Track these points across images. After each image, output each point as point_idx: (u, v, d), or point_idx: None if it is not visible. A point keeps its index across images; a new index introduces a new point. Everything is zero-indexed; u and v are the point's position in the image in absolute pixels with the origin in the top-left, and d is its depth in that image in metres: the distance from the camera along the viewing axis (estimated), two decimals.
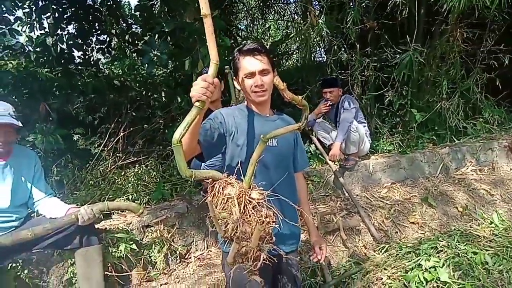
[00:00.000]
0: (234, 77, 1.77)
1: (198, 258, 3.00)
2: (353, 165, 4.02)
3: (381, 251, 3.01)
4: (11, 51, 5.00)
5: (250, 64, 1.65)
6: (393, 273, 2.56)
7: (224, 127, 1.66)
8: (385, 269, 2.65)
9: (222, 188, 1.40)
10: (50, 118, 4.03)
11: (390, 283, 2.48)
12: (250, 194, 1.39)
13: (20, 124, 2.23)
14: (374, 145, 4.46)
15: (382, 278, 2.56)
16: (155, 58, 3.46)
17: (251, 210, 1.36)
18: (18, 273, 2.20)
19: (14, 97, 4.04)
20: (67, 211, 2.35)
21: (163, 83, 6.05)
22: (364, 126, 4.10)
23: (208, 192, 1.42)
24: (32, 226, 2.24)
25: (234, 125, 1.68)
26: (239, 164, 1.56)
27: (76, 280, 2.39)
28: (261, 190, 1.41)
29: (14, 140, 2.32)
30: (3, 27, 4.41)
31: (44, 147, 3.51)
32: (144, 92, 5.28)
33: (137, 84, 5.75)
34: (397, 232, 3.37)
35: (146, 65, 3.65)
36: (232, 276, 1.48)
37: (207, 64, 3.31)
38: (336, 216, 3.47)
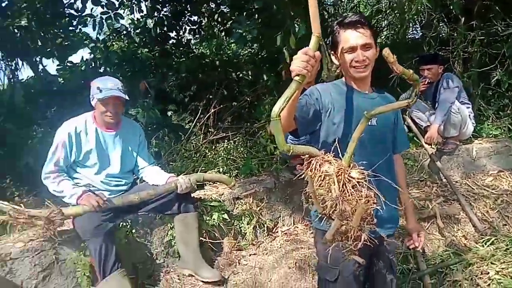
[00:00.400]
0: (332, 52, 1.69)
1: (285, 233, 3.04)
2: (452, 149, 3.69)
3: (485, 244, 2.73)
4: (115, 34, 5.50)
5: (351, 37, 1.55)
6: (502, 268, 2.31)
7: (320, 103, 1.60)
8: (492, 263, 2.40)
9: (319, 165, 1.36)
10: (149, 95, 4.35)
11: (499, 278, 2.24)
12: (349, 173, 1.34)
13: (127, 98, 2.41)
14: (477, 129, 4.02)
15: (488, 273, 2.33)
16: (244, 34, 3.49)
17: (350, 189, 1.31)
18: (127, 232, 2.44)
19: (119, 75, 4.43)
20: (167, 179, 2.53)
21: (248, 63, 6.15)
22: (468, 108, 3.71)
23: (304, 168, 1.40)
24: (138, 191, 2.46)
25: (331, 102, 1.61)
26: (336, 142, 1.50)
27: (175, 243, 2.58)
28: (361, 169, 1.35)
29: (122, 112, 2.52)
30: (110, 11, 4.83)
31: (145, 121, 3.83)
32: (232, 71, 5.41)
33: (224, 64, 5.93)
34: (505, 225, 3.02)
35: (234, 43, 3.72)
36: (330, 254, 1.45)
37: (298, 38, 3.25)
38: (432, 202, 3.23)
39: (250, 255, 2.79)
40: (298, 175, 1.42)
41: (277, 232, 3.07)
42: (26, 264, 2.15)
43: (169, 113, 5.36)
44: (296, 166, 3.32)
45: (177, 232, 2.54)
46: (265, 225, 2.98)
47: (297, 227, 3.14)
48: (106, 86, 2.33)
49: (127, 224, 2.46)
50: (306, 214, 3.09)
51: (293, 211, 3.19)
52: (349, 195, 1.29)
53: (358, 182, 1.32)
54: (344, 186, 1.31)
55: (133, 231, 2.47)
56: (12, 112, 4.22)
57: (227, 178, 2.63)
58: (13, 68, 5.57)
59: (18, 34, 4.63)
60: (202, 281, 2.45)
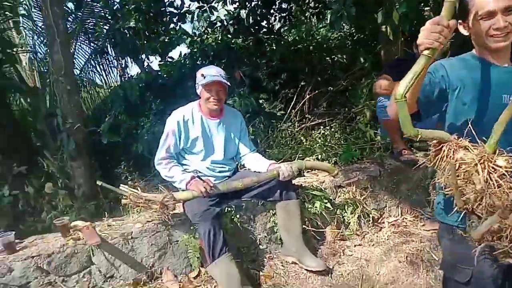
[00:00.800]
0: (460, 21, 1.45)
1: (392, 224, 2.83)
2: None
3: None
4: (210, 27, 5.71)
5: (490, 0, 1.30)
6: None
7: (447, 81, 1.38)
8: None
9: (453, 152, 1.19)
10: (244, 84, 4.42)
11: None
12: (495, 161, 1.14)
13: (229, 84, 2.45)
14: None
15: None
16: (342, 13, 3.29)
17: (497, 180, 1.12)
18: (232, 217, 2.50)
19: (215, 66, 4.59)
20: (268, 166, 2.52)
21: (340, 46, 5.89)
22: None
23: (431, 156, 1.24)
24: (241, 178, 2.49)
25: (459, 79, 1.38)
26: (469, 125, 1.28)
27: (277, 229, 2.57)
28: (509, 156, 1.14)
29: (225, 98, 2.55)
30: (204, 5, 5.02)
31: (241, 109, 3.90)
32: (325, 55, 5.23)
33: (316, 49, 5.78)
34: None
35: (327, 26, 3.53)
36: (476, 254, 1.26)
37: (401, 13, 2.95)
38: None
39: (355, 245, 2.66)
40: (415, 163, 1.27)
41: (383, 222, 2.87)
42: (144, 243, 2.34)
43: (260, 101, 5.43)
44: (401, 152, 3.06)
45: (279, 219, 2.52)
46: (370, 215, 2.81)
47: (406, 218, 2.90)
48: (210, 73, 2.40)
49: (232, 209, 2.51)
50: (417, 205, 2.84)
51: (400, 201, 2.96)
52: (495, 187, 1.11)
53: (506, 171, 1.13)
54: (489, 176, 1.13)
55: (237, 216, 2.52)
56: (125, 105, 4.66)
57: (331, 166, 2.52)
58: (123, 66, 6.18)
59: (127, 34, 5.10)
60: (306, 270, 2.40)
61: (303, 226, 2.53)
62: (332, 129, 3.80)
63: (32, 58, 6.05)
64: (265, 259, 2.55)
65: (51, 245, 2.17)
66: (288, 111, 4.14)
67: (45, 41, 5.00)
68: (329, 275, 2.38)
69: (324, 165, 2.66)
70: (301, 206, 2.54)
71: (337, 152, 3.38)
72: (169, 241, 2.39)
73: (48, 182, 3.52)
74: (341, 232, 2.72)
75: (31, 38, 5.92)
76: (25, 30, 5.99)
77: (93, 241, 2.17)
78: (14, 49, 4.61)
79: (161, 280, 2.34)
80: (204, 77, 2.39)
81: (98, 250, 2.22)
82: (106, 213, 2.67)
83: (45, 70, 5.55)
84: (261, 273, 2.42)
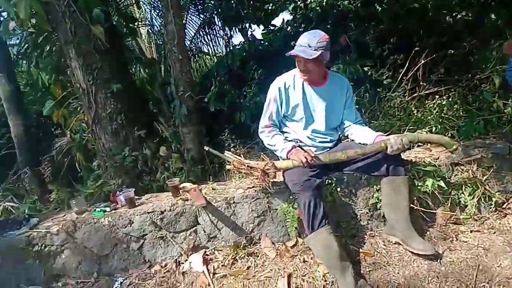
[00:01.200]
0: None
1: None
2: None
3: None
4: None
5: None
6: None
7: None
8: None
9: None
10: (350, 50, 4.15)
11: None
12: None
13: (309, 57, 2.16)
14: None
15: None
16: None
17: None
18: (332, 190, 2.42)
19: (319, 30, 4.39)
20: (375, 138, 2.33)
21: (462, 3, 5.08)
22: None
23: None
24: (344, 149, 2.35)
25: None
26: None
27: (380, 206, 2.42)
28: None
29: (317, 70, 2.29)
30: None
31: (345, 77, 3.68)
32: (445, 14, 4.57)
33: (431, 8, 5.09)
34: None
35: None
36: None
37: None
38: None
39: (471, 231, 2.35)
40: None
41: (509, 208, 2.47)
42: (245, 209, 2.43)
43: (365, 69, 5.06)
44: None
45: (384, 195, 2.35)
46: (493, 199, 2.44)
47: None
48: (299, 42, 2.24)
49: (332, 182, 2.43)
50: None
51: None
52: None
53: None
54: None
55: (338, 189, 2.43)
56: (229, 75, 4.81)
57: (449, 140, 2.21)
58: (228, 35, 6.35)
59: (233, 4, 5.18)
60: (412, 252, 2.21)
61: (411, 205, 2.32)
62: (450, 99, 3.36)
63: (150, 31, 6.61)
64: (366, 236, 2.43)
65: (164, 203, 2.40)
66: (399, 78, 3.76)
67: (160, 13, 5.37)
68: (438, 260, 2.16)
69: (441, 138, 2.35)
70: (409, 183, 2.33)
71: (456, 125, 2.99)
72: (269, 208, 2.43)
73: (162, 145, 3.89)
74: (455, 215, 2.42)
75: (149, 12, 6.45)
76: (143, 5, 6.55)
77: (200, 202, 2.33)
78: (135, 23, 5.06)
79: (260, 245, 2.42)
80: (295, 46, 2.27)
81: (204, 212, 2.38)
82: (211, 177, 2.84)
83: (161, 43, 6.02)
84: (361, 250, 2.32)
